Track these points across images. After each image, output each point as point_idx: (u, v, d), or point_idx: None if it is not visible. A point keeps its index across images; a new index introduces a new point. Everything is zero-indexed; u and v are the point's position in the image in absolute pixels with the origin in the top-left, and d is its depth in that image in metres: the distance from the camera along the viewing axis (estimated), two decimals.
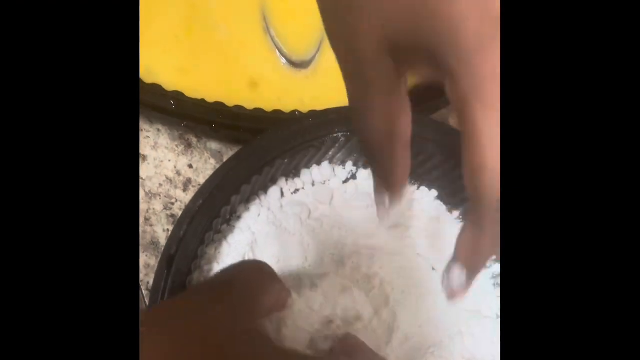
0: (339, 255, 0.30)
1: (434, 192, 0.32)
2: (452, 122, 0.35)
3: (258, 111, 0.27)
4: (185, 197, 0.29)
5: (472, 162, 0.16)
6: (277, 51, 0.29)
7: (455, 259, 0.20)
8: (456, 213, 0.32)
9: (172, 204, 0.29)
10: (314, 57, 0.30)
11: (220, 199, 0.26)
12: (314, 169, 0.30)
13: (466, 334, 0.30)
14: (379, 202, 0.21)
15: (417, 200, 0.32)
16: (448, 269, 0.20)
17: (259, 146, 0.26)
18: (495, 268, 0.32)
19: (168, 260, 0.25)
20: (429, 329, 0.30)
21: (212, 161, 0.30)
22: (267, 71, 0.29)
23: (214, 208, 0.25)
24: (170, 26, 0.30)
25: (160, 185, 0.29)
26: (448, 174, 0.30)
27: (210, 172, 0.31)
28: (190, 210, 0.25)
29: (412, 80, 0.32)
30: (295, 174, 0.30)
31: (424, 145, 0.29)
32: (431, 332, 0.30)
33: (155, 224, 0.29)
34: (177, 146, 0.29)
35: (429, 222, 0.32)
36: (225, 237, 0.28)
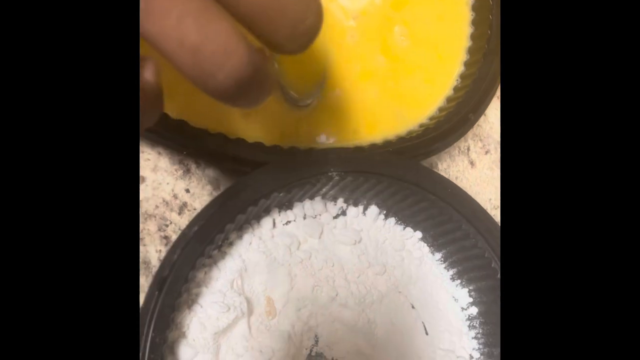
0: (327, 289, 0.31)
1: (419, 234, 0.33)
2: (441, 168, 0.37)
3: (258, 145, 0.29)
4: (180, 220, 0.30)
5: None
6: (281, 89, 0.31)
7: None
8: (438, 255, 0.33)
9: (167, 225, 0.30)
10: (315, 97, 0.32)
11: (215, 227, 0.26)
12: (307, 202, 0.32)
13: None
14: None
15: (403, 241, 0.33)
16: None
17: (258, 179, 0.27)
18: (471, 310, 0.33)
19: (160, 282, 0.25)
20: None
21: (209, 187, 0.31)
22: (271, 107, 0.31)
23: (208, 235, 0.26)
24: None
25: (157, 207, 0.30)
26: (433, 218, 0.32)
27: (206, 198, 0.32)
28: (185, 236, 0.26)
29: (406, 128, 0.34)
30: (289, 206, 0.31)
31: (413, 189, 0.30)
32: None
33: (149, 244, 0.30)
34: (176, 170, 0.30)
35: (412, 261, 0.33)
36: (215, 262, 0.29)
